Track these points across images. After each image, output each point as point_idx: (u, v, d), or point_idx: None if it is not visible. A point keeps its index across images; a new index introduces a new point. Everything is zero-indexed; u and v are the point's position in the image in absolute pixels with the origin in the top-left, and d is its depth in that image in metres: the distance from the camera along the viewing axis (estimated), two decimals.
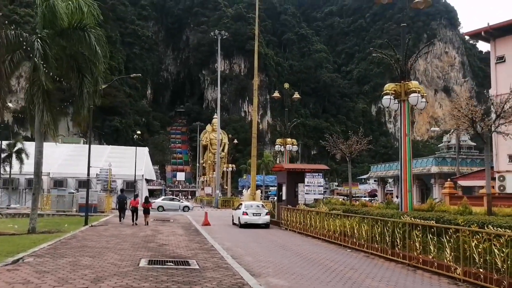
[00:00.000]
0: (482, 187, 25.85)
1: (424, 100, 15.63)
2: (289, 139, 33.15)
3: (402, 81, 16.77)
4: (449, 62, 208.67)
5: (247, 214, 25.44)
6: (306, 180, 24.27)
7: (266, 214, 25.93)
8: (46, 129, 17.05)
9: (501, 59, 30.86)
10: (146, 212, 25.49)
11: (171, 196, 52.80)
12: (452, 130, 39.32)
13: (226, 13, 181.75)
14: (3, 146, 41.59)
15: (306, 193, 24.28)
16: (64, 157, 48.50)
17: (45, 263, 10.48)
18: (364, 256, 14.15)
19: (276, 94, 34.33)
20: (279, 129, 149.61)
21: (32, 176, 45.18)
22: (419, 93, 15.65)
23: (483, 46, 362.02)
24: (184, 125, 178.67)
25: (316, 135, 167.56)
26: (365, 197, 66.81)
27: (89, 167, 23.21)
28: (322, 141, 28.63)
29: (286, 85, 34.11)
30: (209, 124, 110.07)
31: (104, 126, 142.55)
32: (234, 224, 27.72)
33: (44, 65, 16.03)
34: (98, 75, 18.47)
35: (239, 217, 26.04)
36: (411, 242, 11.84)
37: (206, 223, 26.07)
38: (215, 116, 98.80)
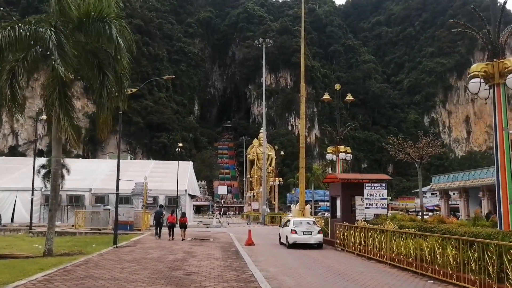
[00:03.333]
0: None
1: None
2: (342, 147, 29.44)
3: (495, 60, 12.85)
4: None
5: (296, 233, 22.01)
6: (365, 192, 20.40)
7: (319, 232, 22.45)
8: (64, 136, 14.76)
9: None
10: (183, 227, 25.94)
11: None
12: None
13: (271, 27, 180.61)
14: (43, 162, 40.50)
15: (366, 207, 20.51)
16: (107, 173, 47.14)
17: None
18: None
19: (326, 96, 31.20)
20: (327, 142, 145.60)
21: (75, 193, 44.69)
22: None
23: None
24: (231, 141, 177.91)
25: (366, 148, 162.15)
26: (417, 212, 61.39)
27: (118, 180, 21.00)
28: (385, 144, 25.14)
29: (338, 86, 30.97)
30: (255, 139, 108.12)
31: (152, 143, 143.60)
32: (281, 243, 24.39)
33: (59, 61, 13.75)
34: (122, 74, 16.16)
35: (286, 236, 22.63)
36: None
37: (249, 243, 23.28)
38: (261, 130, 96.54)
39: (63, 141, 15.67)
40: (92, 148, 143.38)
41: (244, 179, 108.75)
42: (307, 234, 22.11)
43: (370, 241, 17.24)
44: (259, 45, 62.39)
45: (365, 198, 20.31)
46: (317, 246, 22.23)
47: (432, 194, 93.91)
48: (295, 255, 18.78)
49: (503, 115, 12.64)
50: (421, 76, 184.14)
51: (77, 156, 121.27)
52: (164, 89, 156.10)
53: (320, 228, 23.22)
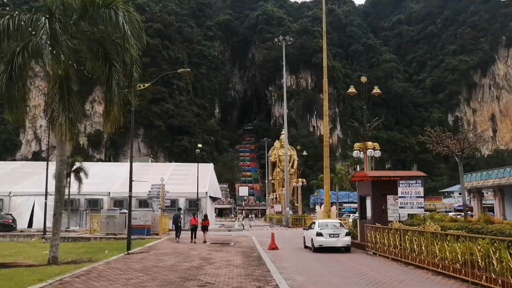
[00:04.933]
0: None
1: None
2: (369, 143, 27.57)
3: None
4: None
5: (322, 235, 20.56)
6: (400, 190, 18.51)
7: (346, 234, 20.90)
8: (59, 133, 13.46)
9: None
10: (205, 229, 25.94)
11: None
12: None
13: (291, 28, 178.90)
14: None
15: (400, 207, 18.64)
16: (127, 176, 46.09)
17: None
18: None
19: (352, 89, 29.38)
20: (350, 143, 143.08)
21: (93, 196, 43.87)
22: None
23: None
24: (252, 143, 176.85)
25: (390, 148, 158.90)
26: (446, 212, 58.94)
27: (131, 181, 19.76)
28: (421, 136, 23.27)
29: (364, 79, 29.19)
30: (277, 141, 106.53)
31: (173, 146, 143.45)
32: (306, 247, 22.89)
33: (50, 52, 12.42)
34: (131, 66, 14.86)
35: (312, 239, 21.18)
36: None
37: (272, 247, 21.82)
38: (283, 132, 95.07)
39: (68, 140, 14.29)
40: (113, 152, 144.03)
41: (266, 181, 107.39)
42: (334, 236, 20.61)
43: (407, 245, 15.51)
44: (279, 43, 61.04)
45: (399, 197, 18.52)
46: (345, 249, 20.77)
47: (460, 194, 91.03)
48: (323, 260, 17.33)
49: None
50: (444, 74, 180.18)
51: (99, 161, 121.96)
52: (184, 92, 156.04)
53: (348, 230, 21.71)
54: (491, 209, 49.48)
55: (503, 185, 42.31)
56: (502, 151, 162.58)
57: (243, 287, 10.70)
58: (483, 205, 48.61)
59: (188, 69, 27.35)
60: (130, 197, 19.88)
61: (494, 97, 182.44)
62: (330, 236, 20.61)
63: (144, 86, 18.73)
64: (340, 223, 22.90)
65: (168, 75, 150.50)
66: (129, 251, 17.99)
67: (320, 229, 20.98)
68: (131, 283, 10.94)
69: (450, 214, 40.94)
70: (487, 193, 51.10)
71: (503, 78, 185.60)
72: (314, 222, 23.16)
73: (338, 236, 20.66)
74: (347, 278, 12.85)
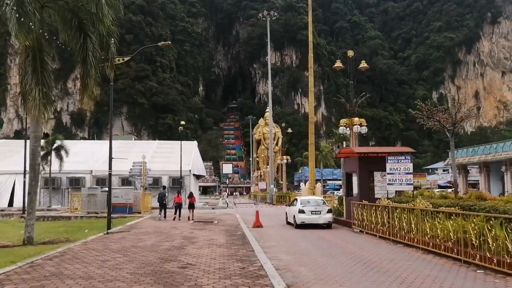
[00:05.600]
0: None
1: None
2: (356, 119, 27.08)
3: None
4: None
5: (304, 212, 20.76)
6: (388, 166, 17.93)
7: (328, 211, 21.13)
8: (37, 106, 12.74)
9: None
10: (191, 207, 25.52)
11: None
12: None
13: (275, 5, 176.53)
14: (42, 144, 38.78)
15: (389, 183, 18.07)
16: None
17: None
18: None
19: (338, 64, 28.74)
20: (334, 120, 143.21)
21: (75, 175, 43.08)
22: None
23: None
24: (237, 121, 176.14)
25: (374, 126, 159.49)
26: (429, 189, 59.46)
27: (110, 158, 19.15)
28: (412, 110, 22.97)
29: (350, 53, 28.54)
30: (261, 118, 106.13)
31: (157, 124, 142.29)
32: (288, 223, 23.12)
33: (23, 18, 11.63)
34: (108, 37, 14.13)
35: (294, 216, 21.33)
36: None
37: (257, 225, 21.44)
38: (267, 109, 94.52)
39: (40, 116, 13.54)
40: (97, 130, 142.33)
41: (251, 159, 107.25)
42: (315, 214, 20.83)
43: (396, 222, 14.99)
44: (264, 19, 59.91)
45: (388, 173, 18.04)
46: (326, 226, 21.03)
47: (444, 170, 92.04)
48: (310, 239, 16.74)
49: None
50: (429, 51, 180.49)
51: (83, 139, 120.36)
52: (168, 70, 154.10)
53: (329, 208, 21.92)
54: (474, 185, 49.92)
55: (489, 162, 42.63)
56: (486, 128, 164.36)
57: (225, 268, 10.15)
58: (468, 182, 49.05)
59: (169, 42, 26.46)
60: (110, 175, 19.30)
61: (478, 74, 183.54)
62: (312, 213, 20.75)
63: (123, 60, 17.99)
64: (322, 200, 23.03)
65: (151, 53, 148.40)
66: (109, 231, 17.39)
67: (302, 206, 21.13)
68: (106, 265, 10.27)
69: (435, 190, 41.19)
70: (470, 170, 51.48)
71: (487, 55, 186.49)
72: (296, 199, 23.24)
73: (320, 213, 20.82)
74: (334, 258, 12.39)
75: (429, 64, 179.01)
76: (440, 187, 64.37)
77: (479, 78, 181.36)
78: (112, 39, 14.75)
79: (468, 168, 48.42)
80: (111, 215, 19.07)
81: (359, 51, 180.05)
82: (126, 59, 18.42)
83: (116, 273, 9.31)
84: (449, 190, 42.27)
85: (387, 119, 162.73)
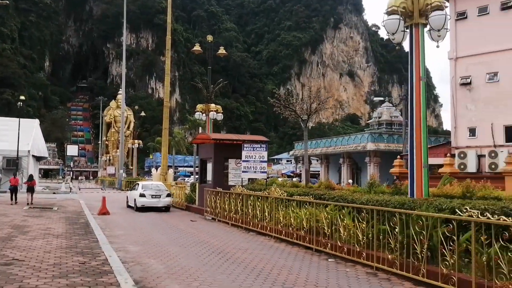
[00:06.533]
0: (440, 165, 23.32)
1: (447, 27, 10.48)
2: (213, 105, 28.47)
3: None
4: (353, 47, 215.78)
5: (144, 196, 22.74)
6: (244, 153, 18.26)
7: (167, 195, 23.41)
8: None
9: (462, 16, 28.65)
10: (30, 190, 24.11)
11: None
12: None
13: None
14: None
15: (244, 171, 18.56)
16: None
17: None
18: (368, 273, 8.82)
19: (197, 47, 29.96)
20: (188, 107, 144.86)
21: None
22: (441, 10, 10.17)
23: (384, 33, 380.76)
24: (87, 101, 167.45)
25: (226, 115, 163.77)
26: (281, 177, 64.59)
27: None
28: (270, 99, 24.85)
29: (210, 38, 30.07)
30: (113, 100, 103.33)
31: None
32: (128, 206, 24.88)
33: None
34: None
35: (135, 199, 23.17)
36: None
37: (103, 212, 20.50)
38: (120, 91, 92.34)
39: None
40: None
41: (100, 142, 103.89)
42: (155, 197, 22.83)
43: (250, 210, 15.08)
44: None
45: (243, 161, 18.51)
46: (165, 209, 22.99)
47: (287, 161, 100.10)
48: (161, 227, 16.38)
49: (421, 62, 10.52)
50: (279, 48, 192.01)
51: None
52: (9, 40, 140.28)
53: (168, 192, 24.15)
54: (314, 175, 55.22)
55: (329, 154, 47.86)
56: (324, 124, 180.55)
57: (62, 264, 8.64)
58: (310, 172, 54.52)
59: (6, 1, 24.83)
60: None
61: (321, 74, 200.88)
62: (152, 197, 22.78)
63: None
64: (162, 185, 25.26)
65: None
66: None
67: (143, 191, 23.07)
68: None
69: (279, 179, 45.15)
70: (312, 161, 57.05)
71: (329, 57, 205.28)
72: (138, 184, 25.31)
73: (160, 197, 22.93)
74: (187, 248, 11.76)
75: (279, 60, 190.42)
76: (283, 175, 69.92)
77: (321, 78, 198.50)
78: None
79: (311, 159, 53.60)
80: None
81: (215, 42, 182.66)
82: None
83: None
84: (294, 179, 46.33)
85: (238, 110, 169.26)
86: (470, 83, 28.20)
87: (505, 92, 26.63)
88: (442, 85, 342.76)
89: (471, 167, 26.37)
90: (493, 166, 25.20)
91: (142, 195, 22.74)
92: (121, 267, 8.49)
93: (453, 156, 26.24)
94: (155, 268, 9.14)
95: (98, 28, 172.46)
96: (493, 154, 25.63)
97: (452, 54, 29.05)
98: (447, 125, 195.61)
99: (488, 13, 27.87)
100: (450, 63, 29.49)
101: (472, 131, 27.98)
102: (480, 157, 26.79)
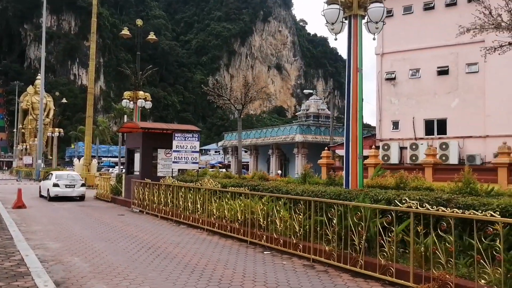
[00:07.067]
0: (366, 157, 23.94)
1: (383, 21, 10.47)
2: (141, 92, 27.44)
3: None
4: (282, 40, 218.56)
5: (58, 186, 22.91)
6: (175, 143, 17.67)
7: (82, 185, 23.85)
8: None
9: (389, 13, 28.97)
10: None
11: None
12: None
13: None
14: None
15: (174, 162, 18.03)
16: None
17: None
18: (305, 265, 8.65)
19: (126, 32, 28.72)
20: (113, 96, 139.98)
21: None
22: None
23: (311, 28, 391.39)
24: (0, 86, 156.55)
25: (153, 104, 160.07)
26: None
27: None
28: (204, 87, 24.48)
29: (139, 22, 29.00)
30: (31, 86, 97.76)
31: None
32: (41, 196, 24.85)
33: None
34: None
35: (48, 189, 23.20)
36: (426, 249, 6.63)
37: (19, 205, 19.05)
38: (38, 77, 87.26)
39: None
40: None
41: (15, 130, 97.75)
42: (70, 187, 23.15)
43: (181, 202, 14.61)
44: None
45: (174, 151, 17.96)
46: (80, 198, 23.40)
47: (215, 152, 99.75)
48: (85, 221, 15.19)
49: (359, 53, 10.62)
50: (208, 38, 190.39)
51: None
52: None
53: (83, 182, 24.55)
54: (243, 166, 55.50)
55: (258, 145, 48.16)
56: (252, 115, 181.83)
57: None
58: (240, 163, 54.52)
59: None
60: None
61: (249, 66, 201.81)
62: (66, 187, 23.03)
63: None
64: (77, 175, 25.71)
65: None
66: None
67: (57, 180, 23.18)
68: None
69: (210, 170, 44.59)
70: (231, 152, 56.85)
71: (257, 49, 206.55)
72: (52, 173, 25.11)
73: (74, 187, 23.28)
74: (114, 243, 11.03)
75: (208, 50, 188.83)
76: (211, 166, 69.54)
77: (249, 70, 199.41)
78: None
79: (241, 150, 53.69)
80: None
81: (143, 28, 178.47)
82: None
83: None
84: (223, 170, 46.18)
85: (165, 99, 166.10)
86: (394, 78, 29.32)
87: (426, 88, 28.03)
88: (365, 81, 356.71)
89: (394, 159, 27.48)
90: (414, 158, 26.49)
91: (55, 185, 22.79)
92: (39, 268, 7.69)
93: (377, 148, 27.17)
94: (79, 266, 8.42)
95: (13, 7, 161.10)
96: (414, 146, 26.87)
97: (379, 50, 30.05)
98: (368, 119, 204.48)
99: (412, 12, 29.14)
100: (376, 58, 30.47)
101: (396, 124, 29.18)
102: (402, 149, 28.03)
